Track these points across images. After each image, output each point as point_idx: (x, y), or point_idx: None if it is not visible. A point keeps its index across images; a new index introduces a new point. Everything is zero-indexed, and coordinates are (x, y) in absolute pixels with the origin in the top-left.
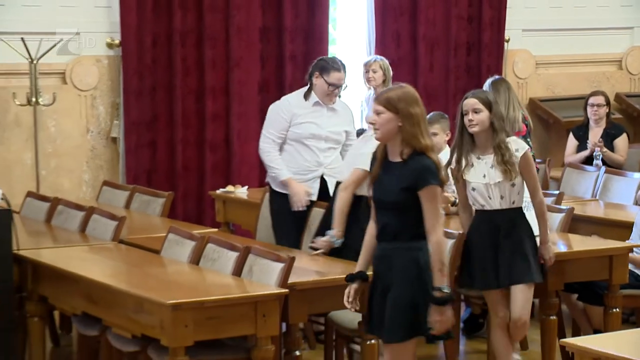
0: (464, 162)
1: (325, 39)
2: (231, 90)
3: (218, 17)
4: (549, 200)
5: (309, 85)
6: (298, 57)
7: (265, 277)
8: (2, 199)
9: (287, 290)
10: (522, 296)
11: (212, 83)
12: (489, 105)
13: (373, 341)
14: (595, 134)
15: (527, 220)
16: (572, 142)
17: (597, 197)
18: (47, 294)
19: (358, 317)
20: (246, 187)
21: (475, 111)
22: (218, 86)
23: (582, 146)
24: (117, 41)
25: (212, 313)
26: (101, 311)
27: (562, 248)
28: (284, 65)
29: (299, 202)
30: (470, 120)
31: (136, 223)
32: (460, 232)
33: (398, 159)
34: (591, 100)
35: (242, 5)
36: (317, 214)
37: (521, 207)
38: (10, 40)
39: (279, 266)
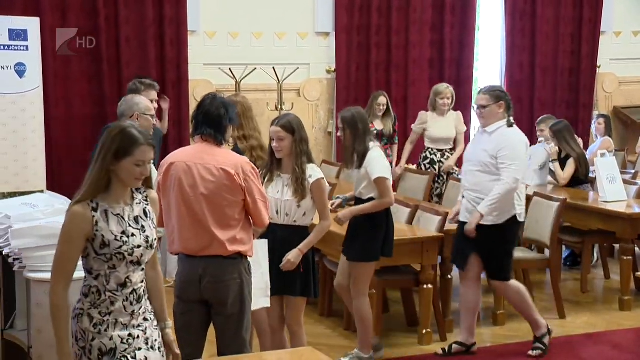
0: (267, 178)
1: (471, 67)
2: (408, 101)
3: (401, 52)
4: (628, 177)
5: None
6: (452, 79)
7: (428, 225)
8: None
9: (442, 234)
10: (293, 306)
11: (395, 96)
12: (292, 132)
13: None
14: None
15: (304, 239)
16: None
17: None
18: None
19: None
20: (415, 166)
21: (280, 139)
22: (399, 98)
23: None
24: (333, 68)
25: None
26: (320, 245)
27: (636, 209)
28: None
29: None
30: (276, 147)
31: (344, 187)
32: None
33: None
34: None
35: (416, 44)
36: None
37: (304, 227)
38: (265, 68)
39: (437, 218)
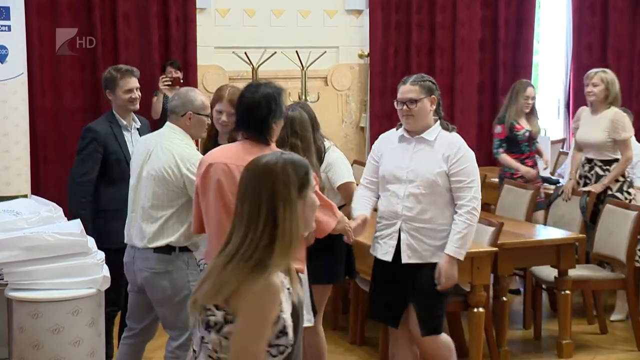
0: None
1: (531, 49)
2: (455, 90)
3: (447, 32)
4: None
5: None
6: (508, 64)
7: (479, 238)
8: None
9: (496, 248)
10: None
11: (440, 84)
12: None
13: (568, 291)
14: None
15: None
16: None
17: None
18: None
19: (554, 272)
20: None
21: None
22: (445, 87)
23: None
24: (366, 52)
25: None
26: None
27: None
28: (497, 70)
29: None
30: None
31: None
32: None
33: None
34: None
35: (465, 22)
36: None
37: None
38: (287, 52)
39: (490, 229)
